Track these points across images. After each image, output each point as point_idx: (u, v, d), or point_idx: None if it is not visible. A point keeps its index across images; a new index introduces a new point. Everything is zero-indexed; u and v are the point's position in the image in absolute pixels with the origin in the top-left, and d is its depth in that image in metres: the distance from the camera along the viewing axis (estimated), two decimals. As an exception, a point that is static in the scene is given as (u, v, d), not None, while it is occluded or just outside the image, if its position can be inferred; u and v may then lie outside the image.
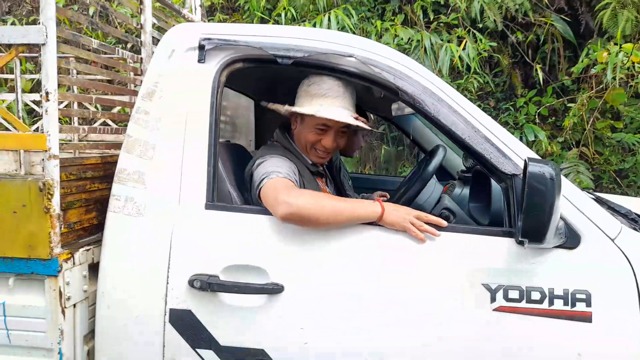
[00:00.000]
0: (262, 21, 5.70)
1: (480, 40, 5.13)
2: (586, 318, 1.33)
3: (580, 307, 1.33)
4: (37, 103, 3.21)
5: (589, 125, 4.80)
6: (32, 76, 4.29)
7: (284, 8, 5.50)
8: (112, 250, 1.49)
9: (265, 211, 1.50)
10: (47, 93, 1.37)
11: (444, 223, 1.42)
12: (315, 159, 1.77)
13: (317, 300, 1.41)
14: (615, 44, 4.20)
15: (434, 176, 1.79)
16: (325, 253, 1.43)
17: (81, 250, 1.50)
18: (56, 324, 1.43)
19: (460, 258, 1.39)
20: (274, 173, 1.53)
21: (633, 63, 4.04)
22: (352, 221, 1.43)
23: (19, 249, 1.41)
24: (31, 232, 1.40)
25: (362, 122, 1.64)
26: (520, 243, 1.33)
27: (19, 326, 1.45)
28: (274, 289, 1.41)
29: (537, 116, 5.13)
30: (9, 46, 1.38)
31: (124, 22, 1.85)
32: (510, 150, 1.43)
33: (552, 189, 1.17)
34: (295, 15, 5.53)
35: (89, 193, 1.61)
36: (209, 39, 1.57)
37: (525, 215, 1.20)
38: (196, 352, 1.44)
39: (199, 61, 1.57)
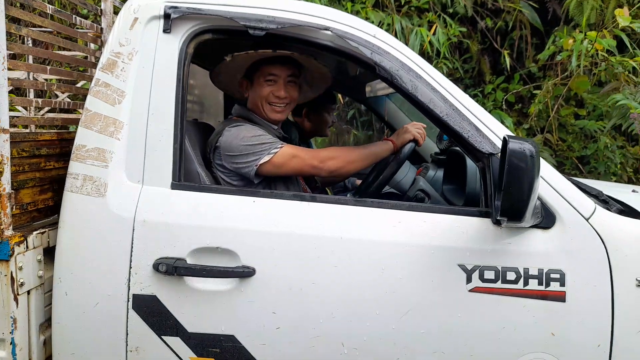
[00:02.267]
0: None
1: (451, 25, 5.13)
2: (560, 298, 1.33)
3: (554, 286, 1.33)
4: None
5: (553, 112, 4.89)
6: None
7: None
8: (69, 232, 1.39)
9: (236, 191, 1.44)
10: (-6, 61, 1.25)
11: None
12: (274, 115, 1.75)
13: (289, 284, 1.36)
14: (581, 31, 4.27)
15: (408, 159, 1.75)
16: (298, 234, 1.37)
17: (35, 233, 1.39)
18: (8, 312, 1.32)
19: (435, 238, 1.36)
20: (274, 144, 1.60)
21: (597, 51, 4.12)
22: (377, 161, 1.74)
23: (-35, 232, 1.29)
24: (-21, 213, 1.29)
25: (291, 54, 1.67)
26: (497, 223, 1.31)
27: (-34, 315, 1.33)
28: (244, 272, 1.35)
29: (504, 103, 5.19)
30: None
31: (82, -12, 1.72)
32: (488, 130, 1.40)
33: (532, 166, 1.15)
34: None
35: (44, 172, 1.50)
36: (175, 7, 1.47)
37: (504, 193, 1.18)
38: (162, 339, 1.37)
39: (164, 31, 1.47)
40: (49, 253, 1.45)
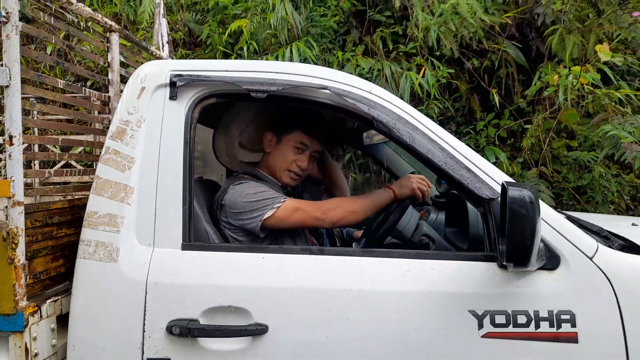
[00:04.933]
0: (225, 55, 5.71)
1: (439, 67, 5.31)
2: (572, 339, 1.34)
3: (566, 327, 1.34)
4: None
5: (545, 145, 4.98)
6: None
7: (246, 42, 5.54)
8: (82, 299, 1.40)
9: (245, 248, 1.47)
10: (10, 137, 1.30)
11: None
12: (287, 180, 1.81)
13: (302, 339, 1.36)
14: (565, 66, 4.42)
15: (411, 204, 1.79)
16: (309, 288, 1.39)
17: (48, 301, 1.41)
18: (23, 384, 1.32)
19: (445, 285, 1.38)
20: (277, 199, 1.63)
21: (582, 84, 4.26)
22: (377, 210, 1.73)
23: (-20, 304, 1.31)
24: (-7, 285, 1.31)
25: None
26: (503, 267, 1.34)
27: (-20, 389, 1.33)
28: (257, 330, 1.36)
29: (496, 138, 5.30)
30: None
31: (88, 59, 1.81)
32: (486, 175, 1.45)
33: (533, 212, 1.19)
34: (257, 49, 5.58)
35: (56, 240, 1.52)
36: (180, 75, 1.55)
37: (508, 239, 1.21)
38: (177, 404, 1.36)
39: (171, 98, 1.54)
40: (62, 320, 1.46)
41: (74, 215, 1.60)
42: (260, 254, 1.44)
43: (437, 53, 5.42)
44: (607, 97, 4.35)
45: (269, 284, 1.40)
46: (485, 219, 1.44)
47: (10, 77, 1.30)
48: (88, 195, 1.50)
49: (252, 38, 5.59)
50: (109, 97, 1.84)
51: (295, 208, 1.65)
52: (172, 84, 1.54)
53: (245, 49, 5.42)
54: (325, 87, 1.53)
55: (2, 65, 1.29)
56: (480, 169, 1.46)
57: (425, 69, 5.20)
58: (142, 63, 2.12)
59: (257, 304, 1.38)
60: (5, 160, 1.31)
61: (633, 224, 2.03)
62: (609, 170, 4.99)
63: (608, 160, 5.03)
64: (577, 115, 4.68)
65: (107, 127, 1.86)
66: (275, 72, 1.56)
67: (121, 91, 1.79)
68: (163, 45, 2.40)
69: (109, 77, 1.84)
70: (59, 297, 1.45)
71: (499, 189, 1.41)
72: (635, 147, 4.23)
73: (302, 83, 1.54)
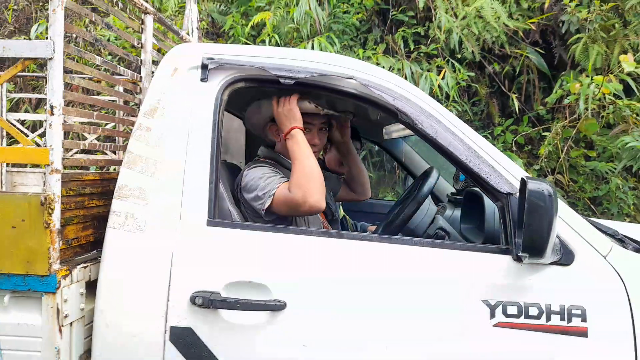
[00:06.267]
0: (246, 47, 5.77)
1: (459, 70, 5.31)
2: (582, 333, 1.37)
3: (576, 322, 1.37)
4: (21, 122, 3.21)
5: (563, 154, 4.97)
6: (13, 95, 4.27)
7: (268, 35, 5.60)
8: (111, 267, 1.47)
9: (267, 228, 1.52)
10: (52, 107, 1.37)
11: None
12: None
13: (319, 317, 1.42)
14: (587, 76, 4.41)
15: (429, 197, 1.83)
16: (326, 270, 1.44)
17: (79, 267, 1.48)
18: (53, 342, 1.39)
19: (459, 275, 1.42)
20: (274, 184, 1.64)
21: (604, 94, 4.24)
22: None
23: (16, 265, 1.38)
24: (30, 247, 1.38)
25: (333, 112, 1.79)
26: (518, 259, 1.38)
27: (12, 345, 1.40)
28: (276, 306, 1.41)
29: (514, 144, 5.29)
30: (16, 60, 1.38)
31: (122, 40, 1.88)
32: (505, 170, 1.49)
33: (551, 205, 1.23)
34: (279, 42, 5.63)
35: (87, 209, 1.59)
36: (212, 58, 1.60)
37: (525, 230, 1.25)
38: (197, 371, 1.42)
39: (202, 80, 1.60)
40: (90, 286, 1.52)
41: (104, 187, 1.67)
42: (281, 234, 1.50)
43: (458, 56, 5.43)
44: (629, 108, 4.34)
45: (289, 263, 1.45)
46: (502, 213, 1.48)
47: (54, 50, 1.36)
48: (117, 169, 1.56)
49: (274, 31, 5.66)
50: (141, 77, 1.90)
51: (283, 195, 1.61)
52: (204, 67, 1.60)
53: (267, 41, 5.48)
54: (351, 77, 1.58)
55: (47, 38, 1.36)
56: (499, 164, 1.49)
57: (445, 71, 5.21)
58: (171, 47, 2.18)
59: (277, 281, 1.43)
60: (45, 128, 1.38)
61: (648, 230, 2.05)
62: (626, 182, 4.96)
63: (626, 172, 5.00)
64: (597, 125, 4.67)
65: (137, 106, 1.93)
66: (304, 60, 1.61)
67: (153, 72, 1.86)
68: (192, 31, 2.47)
69: (142, 57, 1.91)
70: (88, 264, 1.52)
71: (517, 185, 1.45)
72: (654, 159, 4.21)
73: (330, 72, 1.59)
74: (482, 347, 1.38)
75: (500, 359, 1.37)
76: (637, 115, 4.33)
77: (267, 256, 1.46)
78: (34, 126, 5.35)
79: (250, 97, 1.92)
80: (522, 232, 1.28)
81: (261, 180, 1.69)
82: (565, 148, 4.97)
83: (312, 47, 5.15)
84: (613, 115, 4.52)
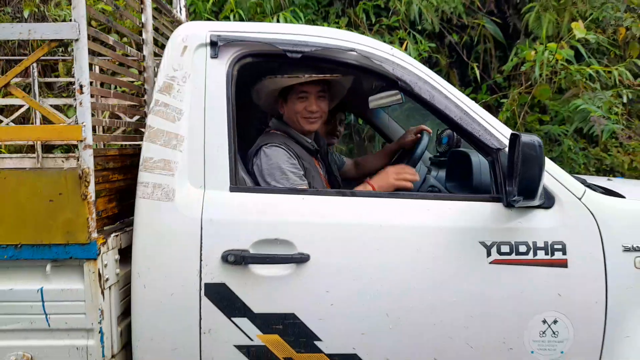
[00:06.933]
0: (209, 23, 5.72)
1: (420, 41, 5.50)
2: (563, 264, 1.61)
3: (558, 255, 1.61)
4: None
5: (520, 119, 5.30)
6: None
7: (232, 10, 5.58)
8: (144, 233, 1.58)
9: (287, 191, 1.68)
10: (81, 86, 1.44)
11: (412, 176, 1.81)
12: (308, 126, 1.97)
13: (339, 267, 1.59)
14: (541, 43, 4.71)
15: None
16: (344, 224, 1.61)
17: (112, 235, 1.58)
18: (96, 305, 1.50)
19: (460, 221, 1.63)
20: (300, 184, 1.79)
21: (557, 60, 4.55)
22: None
23: (56, 235, 1.46)
24: (68, 218, 1.46)
25: (330, 76, 1.90)
26: (509, 205, 1.59)
27: (57, 310, 1.50)
28: (301, 259, 1.57)
29: (474, 111, 5.57)
30: (41, 42, 1.43)
31: (129, 20, 1.94)
32: (494, 129, 1.69)
33: (541, 154, 1.44)
34: (243, 17, 5.63)
35: (111, 183, 1.68)
36: (220, 35, 1.70)
37: (520, 177, 1.45)
38: (232, 321, 1.57)
39: (212, 57, 1.70)
40: (120, 254, 1.63)
41: (123, 162, 1.76)
42: (300, 195, 1.65)
43: (419, 27, 5.61)
44: (579, 73, 4.66)
45: (310, 219, 1.61)
46: (492, 166, 1.68)
47: (79, 31, 1.43)
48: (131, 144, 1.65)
49: (237, 6, 5.64)
50: (144, 56, 1.96)
51: None
52: (213, 44, 1.69)
53: (231, 17, 5.47)
54: (353, 50, 1.72)
55: (72, 20, 1.42)
56: (489, 123, 1.69)
57: (407, 43, 5.39)
58: (164, 25, 2.24)
59: (300, 236, 1.58)
60: (76, 107, 1.45)
61: (608, 179, 2.33)
62: (577, 143, 5.34)
63: (577, 134, 5.39)
64: (550, 90, 4.99)
65: (142, 84, 2.00)
66: (308, 35, 1.74)
67: (155, 52, 1.93)
68: (181, 9, 2.51)
69: (143, 37, 1.97)
70: (119, 233, 1.62)
71: (505, 141, 1.65)
72: (602, 120, 4.58)
73: (333, 45, 1.72)
74: (481, 282, 1.59)
75: (497, 291, 1.60)
76: (587, 80, 4.67)
77: (290, 215, 1.61)
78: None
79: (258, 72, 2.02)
80: (514, 181, 1.49)
81: (278, 173, 1.80)
82: (522, 113, 5.29)
83: (278, 22, 5.19)
84: (565, 81, 4.85)
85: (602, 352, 1.61)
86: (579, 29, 4.06)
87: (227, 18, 5.52)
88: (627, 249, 1.60)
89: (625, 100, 4.59)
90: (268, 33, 1.75)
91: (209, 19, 5.86)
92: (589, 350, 1.62)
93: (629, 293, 1.61)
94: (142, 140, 1.66)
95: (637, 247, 1.60)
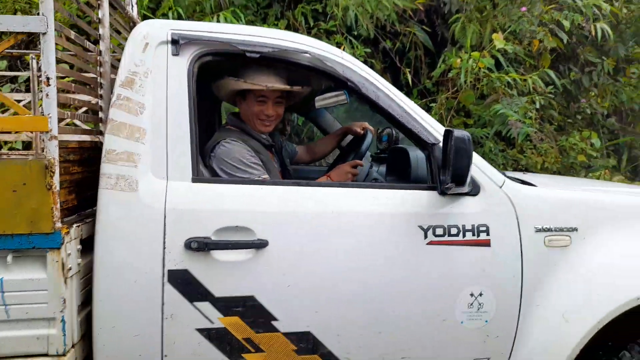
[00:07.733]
0: (145, 19, 5.65)
1: (357, 46, 5.77)
2: (487, 244, 1.85)
3: (483, 236, 1.85)
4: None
5: (447, 122, 5.72)
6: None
7: (170, 8, 5.54)
8: (108, 223, 1.64)
9: (246, 181, 1.80)
10: (47, 78, 1.48)
11: (361, 163, 2.06)
12: (263, 128, 2.12)
13: (295, 250, 1.73)
14: (466, 52, 5.13)
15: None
16: (300, 211, 1.76)
17: (74, 225, 1.62)
18: (59, 293, 1.54)
19: (401, 207, 1.83)
20: (260, 174, 1.91)
21: (479, 68, 4.99)
22: None
23: (20, 225, 1.49)
24: (32, 208, 1.49)
25: (291, 88, 2.06)
26: (442, 193, 1.82)
27: (17, 300, 1.52)
28: (260, 244, 1.70)
29: (406, 114, 5.92)
30: (7, 35, 1.46)
31: (87, 15, 1.97)
32: (430, 126, 1.91)
33: (470, 147, 1.68)
34: (182, 15, 5.61)
35: (71, 175, 1.72)
36: (181, 34, 1.80)
37: (453, 166, 1.68)
38: (193, 305, 1.67)
39: (173, 54, 1.79)
40: (81, 244, 1.67)
41: (82, 155, 1.79)
42: (259, 186, 1.78)
43: (355, 33, 5.88)
44: (499, 80, 5.13)
45: (268, 208, 1.74)
46: (429, 159, 1.91)
47: (47, 25, 1.47)
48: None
49: (176, 4, 5.60)
50: (100, 51, 2.00)
51: None
52: (175, 42, 1.78)
53: (170, 15, 5.43)
54: (306, 52, 1.88)
55: (40, 14, 1.46)
56: (426, 121, 1.92)
57: (344, 47, 5.64)
58: (117, 21, 2.28)
59: (259, 223, 1.71)
60: (42, 99, 1.49)
61: (523, 173, 2.66)
62: (497, 145, 5.83)
63: (497, 136, 5.88)
64: (474, 96, 5.43)
65: (99, 78, 2.03)
66: (266, 37, 1.87)
67: (112, 47, 1.97)
68: (133, 6, 2.54)
69: (100, 32, 2.00)
70: (80, 224, 1.66)
71: (439, 137, 1.88)
72: (519, 124, 5.06)
73: (288, 47, 1.87)
74: (420, 261, 1.81)
75: (434, 269, 1.82)
76: (505, 86, 5.14)
77: (249, 204, 1.73)
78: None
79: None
80: (447, 170, 1.71)
81: (239, 165, 1.91)
82: (449, 117, 5.71)
83: (218, 21, 5.24)
84: (486, 87, 5.30)
85: (518, 319, 1.88)
86: (499, 40, 4.48)
87: (165, 15, 5.47)
88: (538, 230, 1.88)
89: (538, 106, 5.10)
90: (228, 33, 1.86)
91: (146, 16, 5.77)
92: (509, 318, 1.88)
93: (539, 268, 1.89)
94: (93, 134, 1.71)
95: (547, 228, 1.89)
